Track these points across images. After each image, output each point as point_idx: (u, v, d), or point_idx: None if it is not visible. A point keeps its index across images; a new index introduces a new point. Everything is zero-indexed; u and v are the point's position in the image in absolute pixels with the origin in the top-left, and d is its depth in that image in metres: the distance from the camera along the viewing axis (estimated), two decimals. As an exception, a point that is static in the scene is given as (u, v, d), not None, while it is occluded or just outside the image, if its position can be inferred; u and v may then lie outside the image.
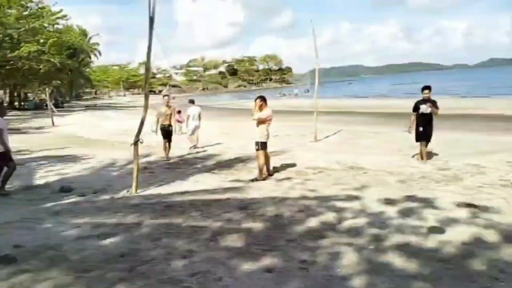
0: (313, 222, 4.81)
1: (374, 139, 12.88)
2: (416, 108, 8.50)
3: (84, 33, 63.39)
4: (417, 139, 8.59)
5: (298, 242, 4.18)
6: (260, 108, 7.53)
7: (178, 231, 4.67)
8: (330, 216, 5.00)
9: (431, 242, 4.05)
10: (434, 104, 8.27)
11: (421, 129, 8.44)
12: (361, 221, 4.80)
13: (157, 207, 5.76)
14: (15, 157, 11.21)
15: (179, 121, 16.52)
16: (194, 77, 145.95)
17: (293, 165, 8.70)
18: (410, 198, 5.69)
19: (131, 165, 9.55)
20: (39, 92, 46.39)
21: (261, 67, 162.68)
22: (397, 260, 3.62)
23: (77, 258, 3.91)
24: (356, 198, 5.85)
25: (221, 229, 4.64)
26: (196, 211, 5.47)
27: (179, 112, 16.85)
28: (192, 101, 13.12)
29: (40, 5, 35.35)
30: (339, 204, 5.56)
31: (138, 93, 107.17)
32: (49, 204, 6.18)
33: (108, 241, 4.39)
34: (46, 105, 40.00)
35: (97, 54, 68.16)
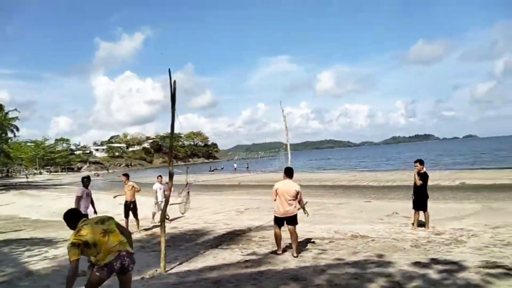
0: (378, 286, 5.00)
1: (343, 209, 13.55)
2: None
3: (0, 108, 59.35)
4: (413, 207, 9.35)
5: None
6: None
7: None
8: (383, 281, 5.24)
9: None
10: (422, 176, 9.15)
11: (413, 198, 9.28)
12: (419, 282, 5.10)
13: (204, 284, 5.52)
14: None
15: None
16: (117, 153, 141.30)
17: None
18: (436, 260, 6.17)
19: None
20: None
21: (186, 143, 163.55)
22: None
23: None
24: (390, 263, 6.18)
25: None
26: (250, 285, 5.36)
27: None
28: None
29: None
30: (378, 270, 5.83)
31: (56, 171, 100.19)
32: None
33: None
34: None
35: (14, 130, 63.67)
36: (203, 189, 27.56)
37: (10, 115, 60.54)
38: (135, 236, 10.09)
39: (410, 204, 14.08)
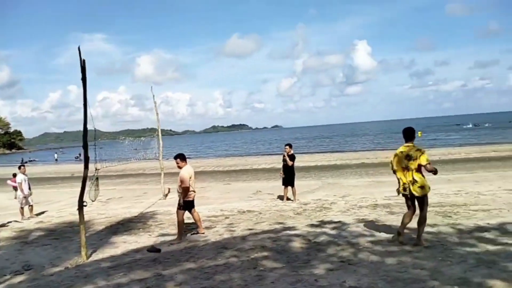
0: (298, 243, 6.13)
1: (210, 192, 14.55)
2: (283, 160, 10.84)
3: None
4: (282, 183, 10.91)
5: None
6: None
7: (207, 276, 5.01)
8: (299, 240, 6.42)
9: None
10: (291, 157, 10.80)
11: (283, 176, 10.86)
12: (324, 237, 6.45)
13: (143, 263, 5.66)
14: None
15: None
16: None
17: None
18: (323, 222, 7.74)
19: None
20: None
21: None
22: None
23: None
24: (291, 227, 7.42)
25: (252, 260, 5.35)
26: (189, 256, 5.79)
27: (14, 175, 14.31)
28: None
29: None
30: (288, 232, 7.01)
31: None
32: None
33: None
34: None
35: None
36: (40, 182, 24.40)
37: None
38: (4, 234, 8.92)
39: (263, 183, 16.19)
